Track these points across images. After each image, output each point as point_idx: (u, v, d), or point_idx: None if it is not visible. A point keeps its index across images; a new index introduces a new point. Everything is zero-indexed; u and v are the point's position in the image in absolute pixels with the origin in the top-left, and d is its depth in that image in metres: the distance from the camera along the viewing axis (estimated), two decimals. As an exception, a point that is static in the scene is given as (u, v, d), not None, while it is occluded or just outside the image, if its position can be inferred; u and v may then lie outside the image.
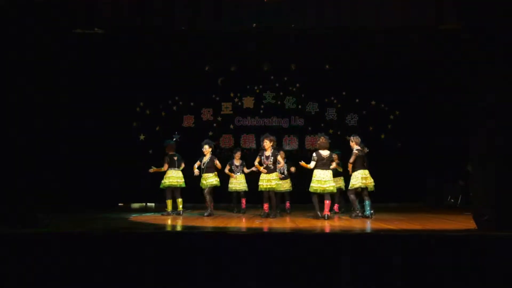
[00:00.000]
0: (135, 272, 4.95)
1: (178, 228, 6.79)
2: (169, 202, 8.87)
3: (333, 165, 7.88)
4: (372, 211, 7.88)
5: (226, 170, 9.32)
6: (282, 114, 12.10)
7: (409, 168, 11.57)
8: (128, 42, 10.22)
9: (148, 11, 6.93)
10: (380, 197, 9.29)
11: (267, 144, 8.04)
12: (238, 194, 9.42)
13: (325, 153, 7.73)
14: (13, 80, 5.84)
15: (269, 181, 7.95)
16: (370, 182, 7.94)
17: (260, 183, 8.06)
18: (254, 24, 7.82)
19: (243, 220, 7.70)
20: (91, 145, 10.92)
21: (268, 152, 8.04)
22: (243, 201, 9.41)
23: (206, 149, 8.59)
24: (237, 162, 9.35)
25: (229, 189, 9.39)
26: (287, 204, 9.28)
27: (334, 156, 8.11)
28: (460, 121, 9.90)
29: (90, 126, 10.98)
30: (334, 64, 11.70)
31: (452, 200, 11.09)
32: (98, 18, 7.27)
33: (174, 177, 8.71)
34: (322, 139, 7.79)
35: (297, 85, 12.12)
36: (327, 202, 7.66)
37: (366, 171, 7.96)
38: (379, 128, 11.97)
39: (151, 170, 8.78)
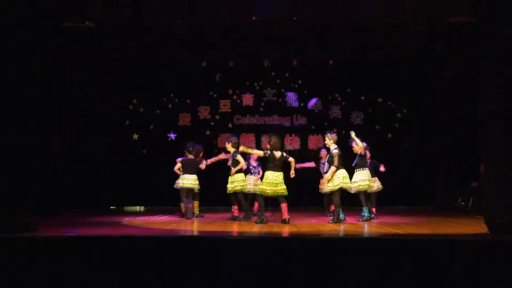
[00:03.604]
0: (129, 277, 4.95)
1: (178, 233, 6.79)
2: (183, 205, 8.97)
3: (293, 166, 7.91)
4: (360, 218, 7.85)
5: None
6: (283, 112, 12.10)
7: (418, 169, 11.58)
8: (120, 36, 10.20)
9: (141, 3, 6.93)
10: (387, 200, 9.30)
11: (228, 147, 8.40)
12: (253, 196, 9.34)
13: (278, 154, 7.73)
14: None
15: (232, 183, 8.25)
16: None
17: (231, 185, 8.29)
18: (254, 17, 7.83)
19: (242, 224, 7.69)
20: (82, 145, 10.93)
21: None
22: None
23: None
24: (254, 162, 9.26)
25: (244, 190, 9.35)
26: (332, 206, 9.20)
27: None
28: (472, 119, 9.89)
29: (80, 125, 10.98)
30: (338, 59, 11.70)
31: (463, 203, 11.08)
32: (89, 11, 7.27)
33: (188, 179, 8.85)
34: (274, 139, 7.81)
35: (299, 81, 12.12)
36: (284, 205, 7.65)
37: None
38: (386, 127, 11.99)
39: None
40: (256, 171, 8.98)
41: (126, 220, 8.42)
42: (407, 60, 11.36)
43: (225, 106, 12.14)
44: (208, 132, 11.91)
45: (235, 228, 7.10)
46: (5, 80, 5.85)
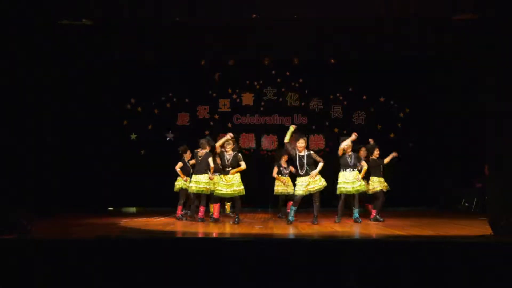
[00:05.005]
0: (128, 278, 4.96)
1: (178, 234, 6.81)
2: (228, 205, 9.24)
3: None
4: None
5: (275, 174, 9.28)
6: (284, 111, 12.10)
7: (421, 169, 11.57)
8: (118, 34, 10.19)
9: (140, 2, 6.92)
10: (389, 201, 9.28)
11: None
12: (285, 197, 9.39)
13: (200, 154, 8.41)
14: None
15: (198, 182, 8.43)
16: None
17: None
18: (254, 15, 7.83)
19: (242, 226, 7.70)
20: (79, 145, 10.92)
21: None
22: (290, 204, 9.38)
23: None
24: (284, 164, 9.36)
25: (275, 192, 9.37)
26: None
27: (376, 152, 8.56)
28: (476, 119, 9.89)
29: (76, 125, 10.97)
30: (339, 58, 11.70)
31: (467, 204, 11.08)
32: (86, 8, 7.26)
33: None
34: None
35: (300, 80, 12.12)
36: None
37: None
38: (388, 127, 11.98)
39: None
40: (287, 171, 9.13)
41: (124, 221, 8.43)
42: (410, 59, 11.34)
43: (224, 105, 12.14)
44: (207, 132, 11.88)
45: (234, 229, 7.10)
46: (3, 80, 5.85)
